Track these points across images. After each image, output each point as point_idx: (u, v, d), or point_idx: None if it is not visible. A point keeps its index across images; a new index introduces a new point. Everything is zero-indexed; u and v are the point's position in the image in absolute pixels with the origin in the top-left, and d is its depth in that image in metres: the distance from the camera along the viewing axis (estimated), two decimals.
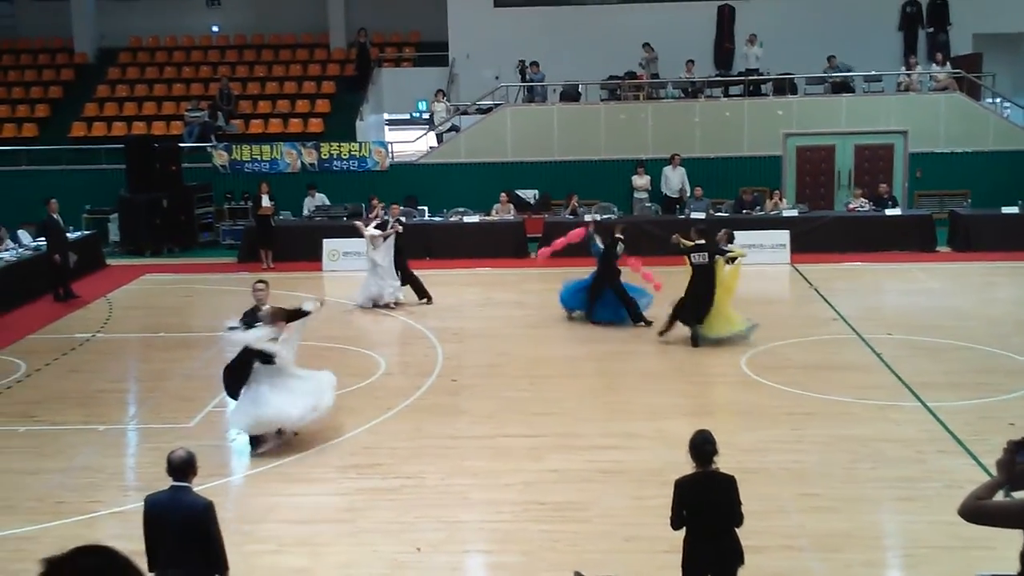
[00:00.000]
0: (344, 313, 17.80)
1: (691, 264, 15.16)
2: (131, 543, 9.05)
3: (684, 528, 6.89)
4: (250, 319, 11.20)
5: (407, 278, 18.36)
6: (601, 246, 16.67)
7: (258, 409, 11.01)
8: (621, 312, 16.42)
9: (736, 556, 6.88)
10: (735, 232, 16.68)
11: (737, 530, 6.91)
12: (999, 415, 11.74)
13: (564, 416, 12.23)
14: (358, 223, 19.01)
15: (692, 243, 15.15)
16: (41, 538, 9.29)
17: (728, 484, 6.91)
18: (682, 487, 6.89)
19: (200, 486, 8.34)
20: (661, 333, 15.50)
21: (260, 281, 11.75)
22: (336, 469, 10.79)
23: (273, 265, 21.75)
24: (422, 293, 18.38)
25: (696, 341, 15.04)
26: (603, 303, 16.53)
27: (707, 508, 6.85)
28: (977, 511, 4.83)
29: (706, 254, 15.05)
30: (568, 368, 14.49)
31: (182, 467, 6.98)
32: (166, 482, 7.01)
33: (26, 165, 26.14)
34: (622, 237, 16.68)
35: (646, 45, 26.73)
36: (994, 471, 4.93)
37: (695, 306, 15.12)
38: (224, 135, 27.04)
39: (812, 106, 25.55)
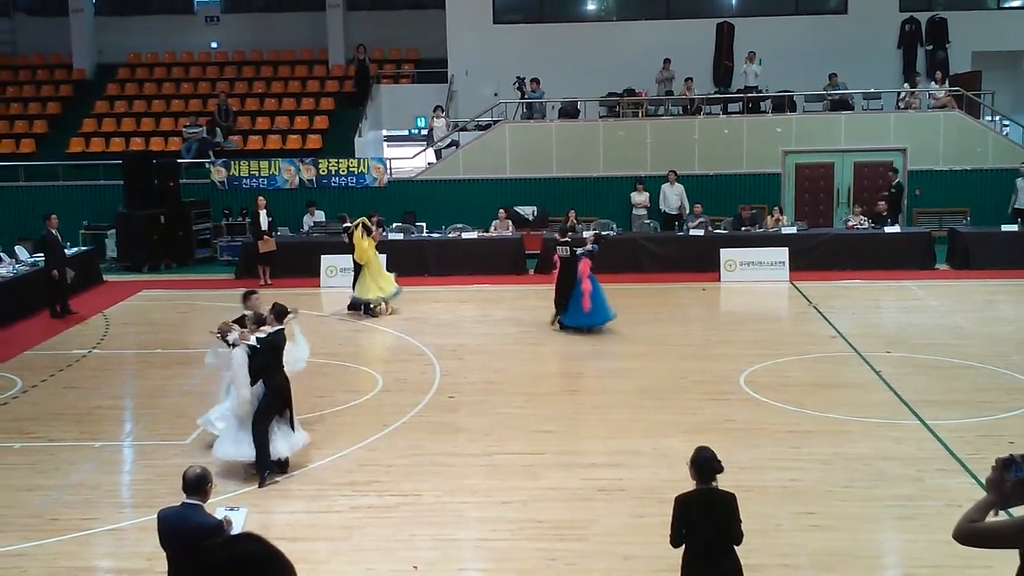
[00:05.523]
0: (342, 329, 17.73)
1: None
2: (126, 561, 9.06)
3: (683, 546, 6.86)
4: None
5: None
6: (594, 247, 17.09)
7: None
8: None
9: (735, 574, 6.85)
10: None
11: (736, 548, 6.88)
12: (999, 433, 11.70)
13: (562, 434, 12.19)
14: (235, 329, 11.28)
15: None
16: (36, 555, 9.26)
17: (728, 501, 6.88)
18: (682, 504, 6.86)
19: None
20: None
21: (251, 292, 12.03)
22: (332, 486, 10.73)
23: (271, 281, 21.70)
24: None
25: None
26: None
27: (707, 525, 6.82)
28: (970, 533, 4.78)
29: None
30: (566, 385, 14.44)
31: (194, 484, 6.94)
32: (162, 499, 7.00)
33: (24, 181, 26.13)
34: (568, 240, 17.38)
35: (666, 61, 26.72)
36: None
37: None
38: (222, 151, 27.03)
39: (811, 123, 25.57)
